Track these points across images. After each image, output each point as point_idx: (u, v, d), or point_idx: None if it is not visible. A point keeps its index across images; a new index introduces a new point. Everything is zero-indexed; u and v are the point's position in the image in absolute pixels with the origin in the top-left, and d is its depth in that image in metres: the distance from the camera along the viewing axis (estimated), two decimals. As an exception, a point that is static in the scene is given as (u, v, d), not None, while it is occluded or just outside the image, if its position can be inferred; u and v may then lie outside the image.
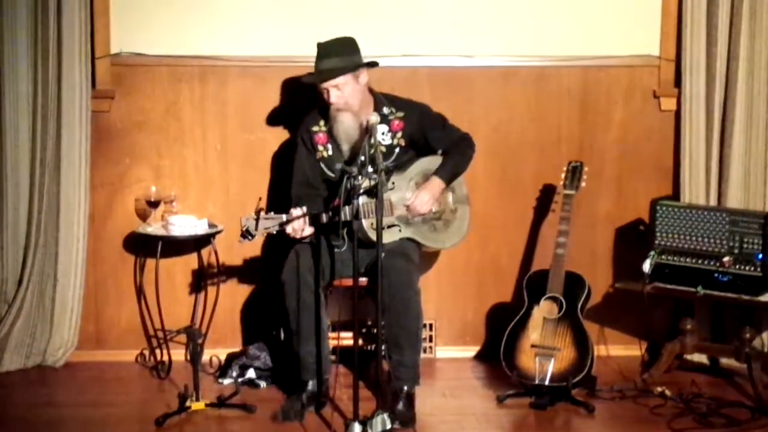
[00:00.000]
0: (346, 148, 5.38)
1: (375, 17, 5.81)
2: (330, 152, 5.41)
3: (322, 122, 5.43)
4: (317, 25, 5.73)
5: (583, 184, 5.68)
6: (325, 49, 5.28)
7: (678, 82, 5.93)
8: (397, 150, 5.40)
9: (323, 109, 5.42)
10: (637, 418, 5.19)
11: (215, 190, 5.96)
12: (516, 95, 5.99)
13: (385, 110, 5.38)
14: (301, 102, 5.78)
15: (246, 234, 4.97)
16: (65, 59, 5.67)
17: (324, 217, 5.10)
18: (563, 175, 5.70)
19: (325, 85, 5.26)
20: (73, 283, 5.81)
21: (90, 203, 5.82)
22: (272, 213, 5.08)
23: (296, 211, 5.08)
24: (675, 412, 5.20)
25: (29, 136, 5.73)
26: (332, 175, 5.39)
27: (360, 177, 4.88)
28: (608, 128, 6.02)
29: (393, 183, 5.23)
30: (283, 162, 5.74)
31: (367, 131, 5.05)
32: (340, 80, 5.25)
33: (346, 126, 5.32)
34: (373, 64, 5.37)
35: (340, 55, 5.26)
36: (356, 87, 5.29)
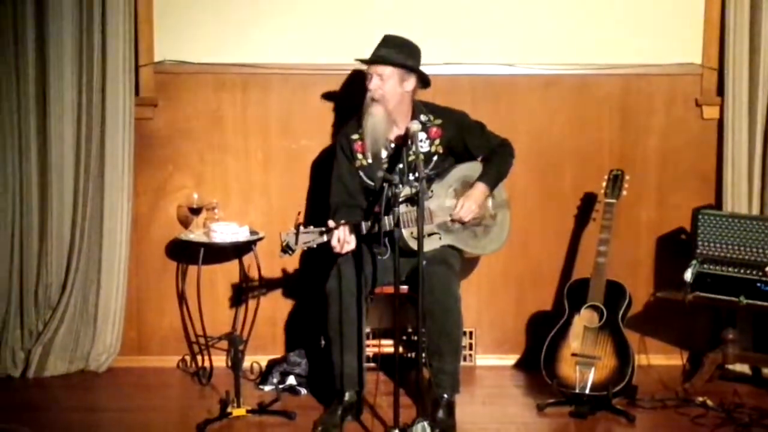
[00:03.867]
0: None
1: (417, 25, 5.81)
2: (369, 160, 5.42)
3: (361, 130, 5.44)
4: (359, 34, 5.76)
5: (625, 192, 5.66)
6: (389, 40, 5.34)
7: (720, 90, 5.91)
8: (435, 158, 5.40)
9: (361, 116, 5.45)
10: (678, 428, 5.16)
11: (257, 198, 5.99)
12: (557, 103, 5.99)
13: (423, 117, 5.38)
14: (342, 110, 5.82)
15: (286, 249, 5.00)
16: (109, 67, 5.73)
17: (364, 227, 5.11)
18: (604, 184, 5.69)
19: (371, 69, 5.29)
20: (116, 289, 5.87)
21: (133, 210, 5.88)
22: (311, 227, 5.09)
23: (334, 225, 5.09)
24: (716, 422, 5.17)
25: (74, 143, 5.79)
26: (371, 183, 5.40)
27: (401, 185, 4.89)
28: (650, 136, 6.00)
29: (432, 191, 5.24)
30: (324, 170, 5.75)
31: (408, 139, 5.08)
32: (386, 71, 5.28)
33: (376, 120, 5.31)
34: (425, 79, 5.39)
35: (399, 51, 5.30)
36: (398, 87, 5.30)
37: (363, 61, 5.37)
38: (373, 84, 5.28)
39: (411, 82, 5.34)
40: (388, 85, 5.29)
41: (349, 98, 5.75)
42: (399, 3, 5.89)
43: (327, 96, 5.92)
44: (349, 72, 5.82)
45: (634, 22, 5.95)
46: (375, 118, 5.31)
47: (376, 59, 5.29)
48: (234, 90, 5.94)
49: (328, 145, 5.87)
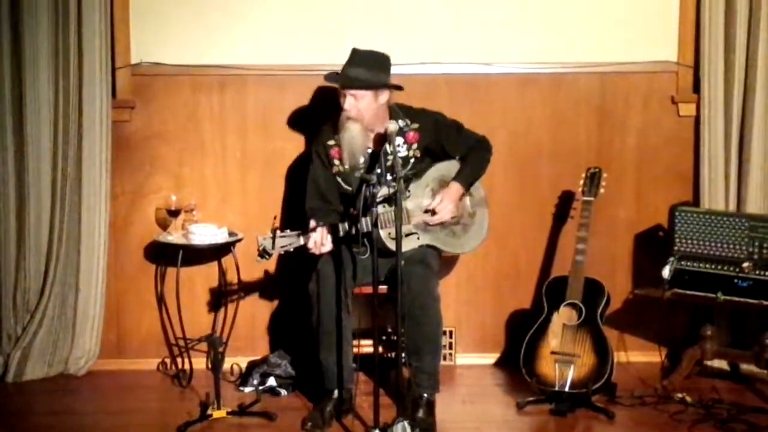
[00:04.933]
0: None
1: (394, 25, 5.83)
2: (347, 166, 5.41)
3: (337, 137, 5.42)
4: (336, 34, 5.78)
5: (602, 190, 5.69)
6: (358, 57, 5.26)
7: (696, 87, 5.93)
8: (412, 160, 5.40)
9: (338, 123, 5.43)
10: (658, 424, 5.19)
11: (235, 199, 5.99)
12: (534, 102, 6.00)
13: (400, 123, 5.36)
14: (320, 111, 5.81)
15: (263, 253, 5.01)
16: (86, 69, 5.71)
17: (341, 230, 5.12)
18: (582, 182, 5.71)
19: (344, 91, 5.28)
20: (95, 292, 5.85)
21: (111, 212, 5.86)
22: (288, 231, 5.10)
23: (314, 226, 5.10)
24: (695, 418, 5.19)
25: (50, 146, 5.76)
26: (349, 188, 5.38)
27: (378, 185, 4.90)
28: (627, 134, 6.02)
29: (409, 191, 5.24)
30: (301, 172, 5.74)
31: (386, 139, 5.08)
32: (359, 92, 5.25)
33: (353, 135, 5.29)
34: (397, 88, 5.35)
35: (370, 68, 5.23)
36: (372, 103, 5.26)
37: (335, 84, 5.31)
38: (348, 104, 5.25)
39: (385, 95, 5.30)
40: (363, 104, 5.25)
41: (326, 99, 5.74)
42: (374, 3, 5.89)
43: (304, 97, 5.92)
44: (325, 73, 5.81)
45: (610, 20, 5.97)
46: (352, 133, 5.30)
47: (348, 83, 5.24)
48: (211, 91, 5.93)
49: (305, 148, 5.86)
